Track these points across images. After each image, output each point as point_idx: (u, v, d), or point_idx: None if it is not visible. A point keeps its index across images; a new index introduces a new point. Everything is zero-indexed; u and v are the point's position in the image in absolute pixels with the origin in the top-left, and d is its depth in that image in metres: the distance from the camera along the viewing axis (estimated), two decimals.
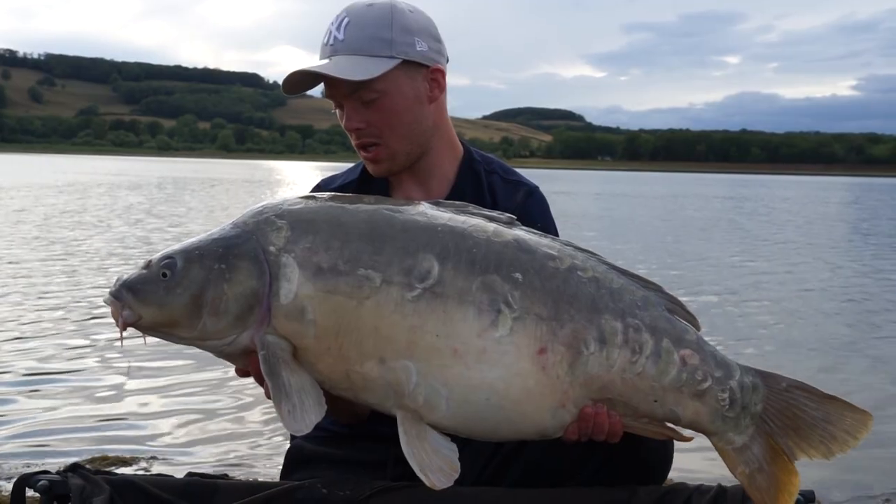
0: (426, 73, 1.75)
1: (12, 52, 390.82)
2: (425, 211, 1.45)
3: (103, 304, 1.43)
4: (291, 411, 1.34)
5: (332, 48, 1.71)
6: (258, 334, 1.38)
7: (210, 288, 1.37)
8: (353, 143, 1.79)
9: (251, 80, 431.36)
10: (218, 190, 30.20)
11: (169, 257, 1.40)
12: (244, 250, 1.39)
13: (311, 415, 1.35)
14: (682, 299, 1.49)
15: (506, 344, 1.35)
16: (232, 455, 3.71)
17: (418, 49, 1.72)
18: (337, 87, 1.71)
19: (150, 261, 1.42)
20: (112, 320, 1.40)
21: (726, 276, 10.18)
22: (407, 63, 1.71)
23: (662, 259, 11.78)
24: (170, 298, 1.37)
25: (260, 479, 1.66)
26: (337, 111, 1.79)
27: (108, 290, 1.41)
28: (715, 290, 8.95)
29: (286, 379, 1.35)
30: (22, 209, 17.63)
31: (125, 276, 1.41)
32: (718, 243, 14.59)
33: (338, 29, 1.71)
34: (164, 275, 1.38)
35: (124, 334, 1.40)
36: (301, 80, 1.74)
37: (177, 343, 1.45)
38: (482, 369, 1.35)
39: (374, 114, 1.72)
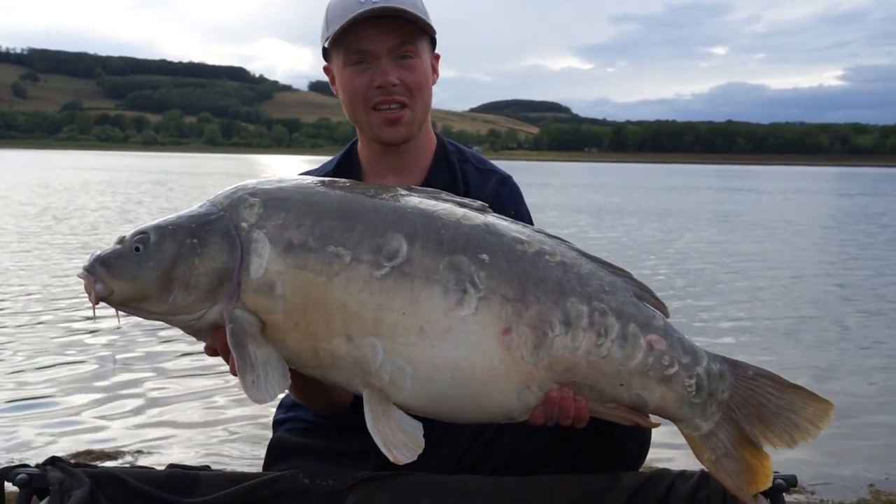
0: (432, 56, 1.83)
1: None
2: (397, 194, 1.47)
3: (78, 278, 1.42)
4: (255, 381, 1.35)
5: (376, 5, 1.67)
6: (227, 309, 1.39)
7: (181, 262, 1.38)
8: (375, 101, 1.75)
9: (237, 74, 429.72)
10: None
11: (142, 232, 1.41)
12: (216, 226, 1.40)
13: (275, 386, 1.36)
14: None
15: (471, 323, 1.36)
16: (216, 447, 3.70)
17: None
18: (384, 38, 1.71)
19: (123, 237, 1.42)
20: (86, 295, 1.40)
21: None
22: (431, 39, 1.80)
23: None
24: (142, 272, 1.37)
25: (242, 471, 1.64)
26: (349, 73, 1.75)
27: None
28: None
29: (252, 351, 1.36)
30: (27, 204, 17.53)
31: (98, 252, 1.41)
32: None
33: None
34: (137, 249, 1.39)
35: (97, 309, 1.40)
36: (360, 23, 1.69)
37: (148, 318, 1.45)
38: (447, 348, 1.36)
39: (409, 74, 1.74)
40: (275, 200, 1.42)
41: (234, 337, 1.36)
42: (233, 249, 1.38)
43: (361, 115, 1.78)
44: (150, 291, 1.38)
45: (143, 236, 1.40)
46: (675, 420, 1.46)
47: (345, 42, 1.73)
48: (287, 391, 1.51)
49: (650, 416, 1.46)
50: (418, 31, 1.74)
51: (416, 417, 1.41)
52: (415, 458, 1.37)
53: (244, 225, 1.39)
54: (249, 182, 1.48)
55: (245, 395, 1.36)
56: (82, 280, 1.40)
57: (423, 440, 1.39)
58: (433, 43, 1.83)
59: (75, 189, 24.77)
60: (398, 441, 1.37)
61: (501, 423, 1.48)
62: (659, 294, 1.49)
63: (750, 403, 1.44)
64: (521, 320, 1.37)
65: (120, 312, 1.43)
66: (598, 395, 1.41)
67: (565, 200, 24.34)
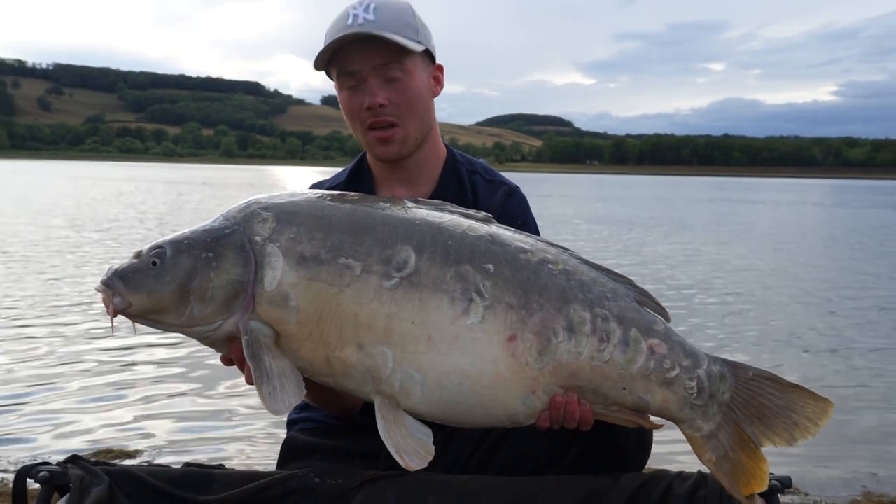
0: (432, 69, 1.81)
1: (21, 62, 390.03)
2: (405, 206, 1.47)
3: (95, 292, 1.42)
4: (272, 393, 1.34)
5: (361, 26, 1.68)
6: (242, 320, 1.38)
7: (198, 275, 1.37)
8: (368, 122, 1.75)
9: (253, 89, 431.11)
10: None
11: (159, 247, 1.40)
12: (231, 240, 1.39)
13: (291, 397, 1.36)
14: None
15: (477, 331, 1.36)
16: (231, 447, 3.70)
17: (432, 44, 1.78)
18: (366, 60, 1.70)
19: (140, 251, 1.42)
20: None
21: None
22: (426, 53, 1.77)
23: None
24: (159, 286, 1.37)
25: (256, 470, 1.64)
26: (345, 95, 1.76)
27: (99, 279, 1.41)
28: None
29: (268, 363, 1.36)
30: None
31: (116, 266, 1.41)
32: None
33: (365, 10, 1.69)
34: (154, 263, 1.38)
35: (114, 322, 1.40)
36: (335, 53, 1.71)
37: (164, 330, 1.45)
38: (454, 355, 1.35)
39: (397, 93, 1.73)
40: (287, 214, 1.41)
41: (250, 348, 1.36)
42: (247, 262, 1.38)
43: (360, 134, 1.79)
44: (167, 304, 1.38)
45: (159, 251, 1.39)
46: (676, 421, 1.45)
47: (336, 64, 1.74)
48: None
49: (653, 417, 1.45)
50: (404, 49, 1.70)
51: (425, 423, 1.41)
52: (426, 465, 1.37)
53: (258, 238, 1.39)
54: (262, 196, 1.47)
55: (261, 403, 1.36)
56: (100, 293, 1.39)
57: (433, 447, 1.39)
58: (432, 55, 1.80)
59: (109, 199, 24.84)
60: (409, 448, 1.37)
61: (508, 427, 1.48)
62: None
63: (751, 404, 1.43)
64: (526, 327, 1.36)
65: (136, 324, 1.42)
66: (601, 398, 1.40)
67: (586, 212, 24.04)
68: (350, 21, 1.69)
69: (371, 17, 1.68)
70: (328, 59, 1.73)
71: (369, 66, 1.71)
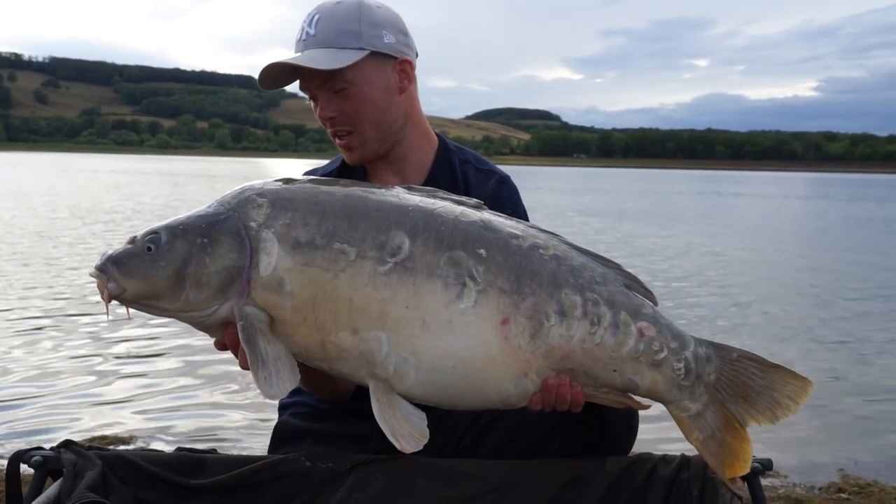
0: (395, 65, 1.75)
1: (18, 56, 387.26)
2: (398, 193, 1.45)
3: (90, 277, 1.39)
4: (267, 378, 1.33)
5: (305, 43, 1.71)
6: (237, 305, 1.36)
7: (193, 261, 1.35)
8: (329, 132, 1.79)
9: (247, 82, 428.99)
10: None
11: (154, 232, 1.38)
12: (226, 226, 1.37)
13: (286, 382, 1.34)
14: None
15: (470, 315, 1.35)
16: (223, 432, 3.69)
17: (386, 41, 1.72)
18: (310, 79, 1.71)
19: (135, 237, 1.39)
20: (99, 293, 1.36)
21: None
22: (376, 54, 1.71)
23: None
24: (154, 271, 1.35)
25: (247, 454, 1.64)
26: (312, 104, 1.78)
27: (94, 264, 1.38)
28: None
29: (263, 348, 1.34)
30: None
31: (110, 251, 1.38)
32: None
33: (309, 25, 1.71)
34: (149, 249, 1.36)
35: (109, 307, 1.37)
36: (278, 75, 1.72)
37: (159, 315, 1.43)
38: (448, 339, 1.34)
39: (346, 102, 1.71)
40: (282, 200, 1.39)
41: (245, 333, 1.34)
42: (242, 248, 1.36)
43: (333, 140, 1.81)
44: (162, 290, 1.36)
45: (154, 236, 1.37)
46: (665, 402, 1.45)
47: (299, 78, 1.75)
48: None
49: (641, 398, 1.45)
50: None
51: (419, 406, 1.40)
52: (421, 447, 1.36)
53: (253, 224, 1.37)
54: (256, 183, 1.45)
55: (256, 387, 1.34)
56: (94, 279, 1.37)
57: (427, 431, 1.37)
58: (391, 53, 1.73)
59: (108, 190, 24.70)
60: (404, 431, 1.36)
61: (501, 409, 1.47)
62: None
63: (735, 384, 1.44)
64: (518, 311, 1.36)
65: (131, 309, 1.40)
66: (592, 380, 1.40)
67: (577, 204, 23.86)
68: (298, 36, 1.72)
69: (312, 31, 1.70)
70: (273, 82, 1.73)
71: (314, 84, 1.71)
